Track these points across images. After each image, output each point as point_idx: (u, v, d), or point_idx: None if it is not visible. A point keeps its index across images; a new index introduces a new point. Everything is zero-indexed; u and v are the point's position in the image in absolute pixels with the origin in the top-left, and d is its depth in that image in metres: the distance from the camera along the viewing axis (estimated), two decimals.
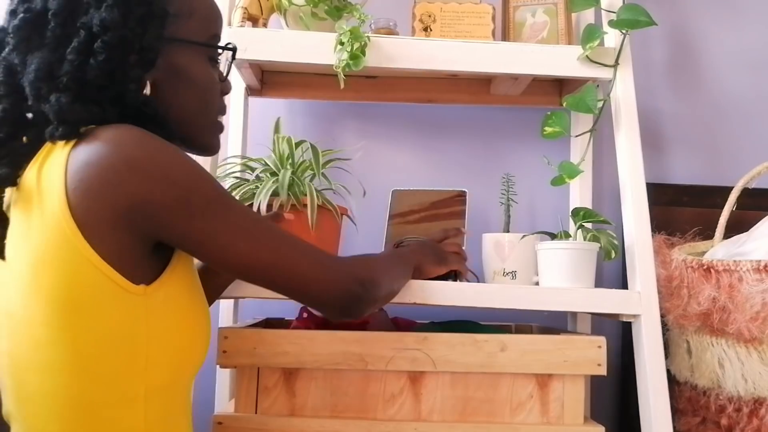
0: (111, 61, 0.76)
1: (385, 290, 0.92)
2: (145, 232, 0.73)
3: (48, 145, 0.76)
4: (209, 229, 0.75)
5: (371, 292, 0.87)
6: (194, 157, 0.81)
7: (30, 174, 0.75)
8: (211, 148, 0.91)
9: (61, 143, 0.74)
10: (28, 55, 0.77)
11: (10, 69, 0.78)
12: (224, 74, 0.92)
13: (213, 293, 1.01)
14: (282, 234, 0.82)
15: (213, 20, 0.89)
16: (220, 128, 0.93)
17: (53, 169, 0.73)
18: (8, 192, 0.77)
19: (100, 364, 0.72)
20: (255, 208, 1.02)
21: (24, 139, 0.77)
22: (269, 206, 1.05)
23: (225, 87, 0.92)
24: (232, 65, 0.93)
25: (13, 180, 0.75)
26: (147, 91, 0.80)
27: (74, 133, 0.74)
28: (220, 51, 0.90)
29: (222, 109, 0.92)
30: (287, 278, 0.81)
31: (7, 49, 0.78)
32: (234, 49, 0.91)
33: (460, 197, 1.30)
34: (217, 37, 0.90)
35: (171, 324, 0.77)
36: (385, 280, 0.93)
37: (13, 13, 0.78)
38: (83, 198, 0.70)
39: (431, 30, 1.27)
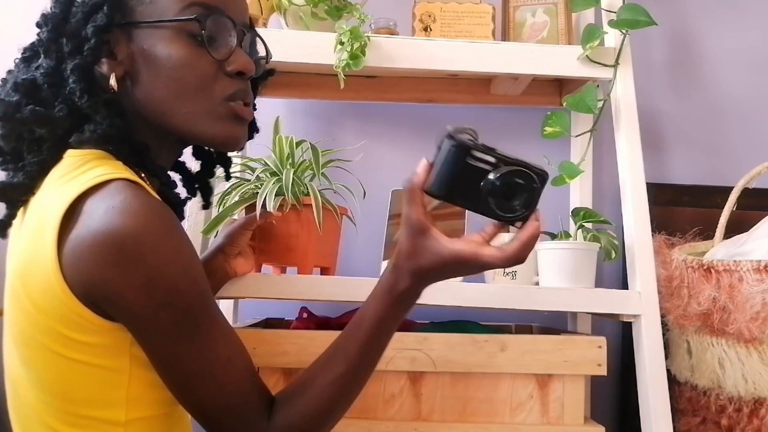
0: (49, 56, 0.74)
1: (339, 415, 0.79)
2: (107, 310, 0.68)
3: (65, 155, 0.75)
4: (162, 344, 0.69)
5: None
6: None
7: (40, 195, 0.73)
8: (218, 139, 0.77)
9: (69, 163, 0.73)
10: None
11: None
12: (230, 50, 0.76)
13: None
14: (235, 379, 0.72)
15: None
16: (229, 115, 0.77)
17: (54, 201, 0.69)
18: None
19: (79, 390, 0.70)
20: (259, 209, 1.02)
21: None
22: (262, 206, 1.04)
23: (226, 65, 0.76)
24: (251, 37, 0.82)
25: (30, 189, 0.75)
26: (114, 86, 0.74)
27: (60, 145, 0.74)
28: (199, 24, 0.74)
29: (227, 93, 0.77)
30: (204, 417, 0.72)
31: None
32: (198, 19, 0.74)
33: None
34: (200, 8, 0.74)
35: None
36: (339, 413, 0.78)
37: None
38: (70, 257, 0.66)
39: (431, 30, 1.27)
